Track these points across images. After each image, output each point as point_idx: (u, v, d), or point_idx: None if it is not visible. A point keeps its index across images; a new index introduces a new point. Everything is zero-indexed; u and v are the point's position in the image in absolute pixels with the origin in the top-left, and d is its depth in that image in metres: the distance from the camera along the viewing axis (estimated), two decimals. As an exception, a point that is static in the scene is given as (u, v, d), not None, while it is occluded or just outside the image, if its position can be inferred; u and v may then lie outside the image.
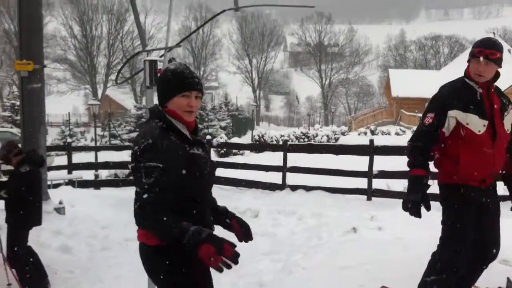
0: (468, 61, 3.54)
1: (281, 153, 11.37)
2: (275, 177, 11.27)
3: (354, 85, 72.41)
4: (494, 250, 3.67)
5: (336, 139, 28.07)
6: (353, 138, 29.05)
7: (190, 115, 2.53)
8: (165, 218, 2.23)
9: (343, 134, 31.87)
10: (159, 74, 2.68)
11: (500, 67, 3.50)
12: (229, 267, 2.17)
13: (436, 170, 3.71)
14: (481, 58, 3.40)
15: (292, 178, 11.08)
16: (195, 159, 2.48)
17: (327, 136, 27.52)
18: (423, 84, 46.20)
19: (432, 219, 6.93)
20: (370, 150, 10.03)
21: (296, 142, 22.99)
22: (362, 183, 10.05)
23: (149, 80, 4.23)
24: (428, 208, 3.40)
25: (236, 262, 2.18)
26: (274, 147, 15.10)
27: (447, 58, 74.15)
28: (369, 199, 9.87)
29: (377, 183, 9.98)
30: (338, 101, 73.60)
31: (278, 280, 4.97)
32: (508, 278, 4.28)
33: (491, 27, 68.55)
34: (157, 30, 58.97)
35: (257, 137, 24.51)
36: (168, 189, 2.32)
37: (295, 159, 11.60)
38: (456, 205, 3.56)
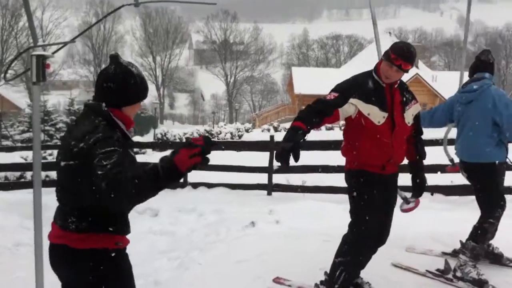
0: (381, 59, 3.72)
1: (183, 150, 11.24)
2: (176, 175, 11.15)
3: (259, 82, 73.52)
4: (383, 237, 3.92)
5: (240, 136, 28.33)
6: (257, 135, 29.39)
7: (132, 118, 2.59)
8: (136, 180, 2.11)
9: (247, 131, 32.23)
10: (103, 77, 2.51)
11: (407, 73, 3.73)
12: (204, 163, 2.16)
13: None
14: (394, 67, 3.59)
15: (194, 176, 11.00)
16: (132, 160, 2.48)
17: (231, 133, 27.72)
18: (324, 81, 47.55)
19: (325, 212, 7.24)
20: (271, 146, 10.19)
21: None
22: (263, 178, 10.18)
23: (36, 76, 3.97)
24: (296, 157, 3.33)
25: (206, 162, 2.17)
26: (176, 145, 14.93)
27: (346, 56, 77.31)
28: (269, 194, 10.02)
29: (277, 178, 10.15)
30: (243, 98, 74.36)
31: (174, 278, 4.90)
32: (445, 260, 4.58)
33: (388, 27, 72.18)
34: (55, 25, 56.42)
35: (159, 136, 24.16)
36: (128, 165, 2.25)
37: (199, 156, 11.53)
38: (361, 190, 3.76)
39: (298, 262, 4.97)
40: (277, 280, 4.57)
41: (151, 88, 67.09)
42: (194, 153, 2.14)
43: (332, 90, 3.73)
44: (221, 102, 74.58)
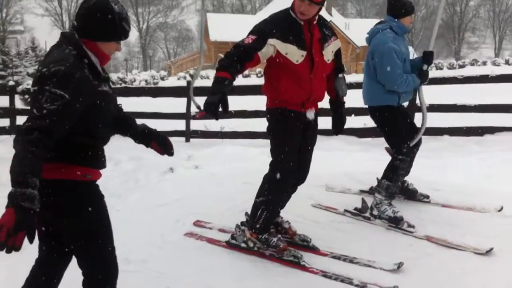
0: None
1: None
2: (90, 123, 10.75)
3: (173, 29, 71.53)
4: (302, 177, 3.99)
5: (156, 84, 27.69)
6: (173, 83, 28.90)
7: (110, 56, 2.51)
8: (33, 154, 2.04)
9: (162, 79, 31.58)
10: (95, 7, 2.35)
11: (323, 5, 3.67)
12: (3, 249, 1.94)
13: None
14: (306, 1, 3.52)
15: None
16: (103, 95, 2.41)
17: (146, 81, 27.06)
18: (240, 28, 47.00)
19: (245, 156, 7.26)
20: (188, 91, 10.00)
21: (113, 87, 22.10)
22: (180, 125, 10.03)
23: None
24: (225, 109, 3.36)
25: (9, 250, 1.95)
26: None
27: (262, 3, 76.57)
28: (187, 140, 9.92)
29: (195, 124, 10.04)
30: (157, 46, 72.31)
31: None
32: (362, 199, 4.66)
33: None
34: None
35: (70, 84, 23.13)
36: (65, 122, 2.20)
37: (113, 104, 11.14)
38: (280, 128, 3.76)
39: (218, 205, 4.97)
40: (197, 223, 4.56)
41: (58, 33, 63.75)
42: (9, 229, 1.93)
43: (250, 33, 3.65)
44: (134, 49, 72.08)
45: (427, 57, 4.51)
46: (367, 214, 4.57)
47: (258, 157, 6.93)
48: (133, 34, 69.91)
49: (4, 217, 1.96)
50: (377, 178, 4.74)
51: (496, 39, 70.80)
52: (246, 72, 39.83)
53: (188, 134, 9.94)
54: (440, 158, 7.02)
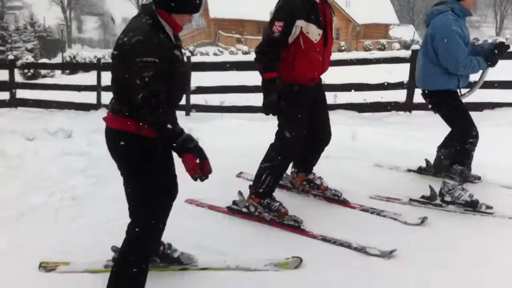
0: None
1: (95, 72, 10.81)
2: (89, 98, 10.74)
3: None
4: (327, 136, 4.30)
5: (155, 60, 27.57)
6: (172, 59, 28.79)
7: (182, 26, 2.77)
8: (164, 116, 2.49)
9: (161, 55, 31.34)
10: None
11: None
12: (202, 180, 2.52)
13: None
14: None
15: (108, 97, 10.65)
16: (176, 59, 2.69)
17: (145, 57, 26.89)
18: (240, 5, 46.95)
19: (245, 129, 7.29)
20: (187, 67, 10.00)
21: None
22: (180, 99, 10.03)
23: None
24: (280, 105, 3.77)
25: (207, 178, 2.54)
26: (86, 67, 14.30)
27: (261, -20, 75.85)
28: (187, 114, 9.94)
29: (195, 99, 10.05)
30: (156, 22, 71.75)
31: (92, 193, 4.82)
32: (430, 186, 4.43)
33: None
34: None
35: (68, 59, 22.99)
36: (164, 81, 2.54)
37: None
38: (291, 100, 3.90)
39: (216, 176, 4.96)
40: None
41: (57, 10, 63.24)
42: (198, 167, 2.50)
43: (275, 19, 3.75)
44: (133, 26, 71.58)
45: (500, 46, 4.38)
46: (438, 201, 4.36)
47: (258, 131, 6.96)
48: (132, 11, 69.39)
49: (186, 161, 2.49)
50: (426, 160, 4.72)
51: (497, 18, 70.31)
52: (246, 49, 39.60)
53: (188, 108, 9.95)
54: (437, 132, 7.03)
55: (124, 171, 2.80)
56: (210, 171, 2.55)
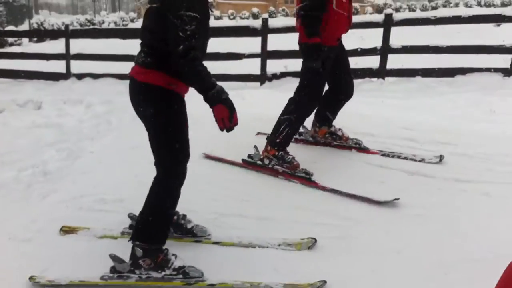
0: None
1: (63, 40, 10.51)
2: (58, 66, 10.48)
3: (142, -31, 69.09)
4: (350, 90, 4.62)
5: (125, 26, 26.96)
6: (143, 25, 28.18)
7: None
8: (202, 67, 2.61)
9: (132, 21, 30.69)
10: None
11: None
12: (228, 131, 2.67)
13: None
14: None
15: (78, 67, 10.43)
16: (208, 14, 2.87)
17: (115, 23, 26.31)
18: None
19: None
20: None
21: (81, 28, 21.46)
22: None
23: None
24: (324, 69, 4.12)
25: (232, 129, 2.67)
26: (54, 34, 13.92)
27: None
28: (159, 83, 9.78)
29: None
30: (125, -14, 69.95)
31: (64, 167, 4.72)
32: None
33: None
34: None
35: (35, 26, 22.32)
36: (200, 37, 2.67)
37: (82, 46, 10.85)
38: (316, 62, 4.05)
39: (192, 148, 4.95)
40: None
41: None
42: (227, 117, 2.62)
43: None
44: (101, -10, 69.68)
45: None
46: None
47: (233, 99, 6.90)
48: (100, -26, 67.35)
49: (217, 112, 2.62)
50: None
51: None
52: (218, 13, 39.03)
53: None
54: (412, 99, 7.11)
55: (148, 122, 2.89)
56: (237, 123, 2.69)
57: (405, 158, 4.54)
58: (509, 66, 8.27)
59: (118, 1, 58.00)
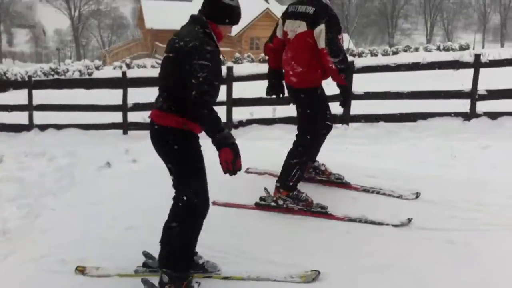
0: None
1: (26, 90, 10.38)
2: (20, 118, 10.30)
3: (107, 17, 69.43)
4: (329, 127, 4.85)
5: (90, 74, 26.92)
6: (108, 72, 28.16)
7: (224, 36, 3.33)
8: (213, 112, 2.94)
9: (97, 68, 30.66)
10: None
11: None
12: (231, 174, 2.93)
13: None
14: None
15: (41, 117, 10.27)
16: (219, 62, 3.20)
17: (80, 71, 26.23)
18: (176, 15, 46.50)
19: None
20: (124, 82, 9.78)
21: (44, 78, 21.28)
22: (117, 117, 9.79)
23: None
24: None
25: (235, 173, 2.94)
26: (17, 84, 13.70)
27: (197, -10, 75.67)
28: (125, 133, 9.72)
29: (133, 116, 9.82)
30: (91, 34, 70.03)
31: (24, 225, 4.58)
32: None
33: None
34: None
35: (-2, 75, 22.06)
36: (214, 82, 3.02)
37: (45, 96, 10.71)
38: (316, 105, 4.49)
39: (159, 199, 4.86)
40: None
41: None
42: (232, 162, 2.90)
43: (337, 32, 4.29)
44: (66, 38, 69.53)
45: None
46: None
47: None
48: (65, 22, 67.49)
49: (223, 155, 2.89)
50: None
51: (427, 25, 73.16)
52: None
53: (126, 126, 9.73)
54: (375, 145, 7.21)
55: (169, 161, 3.20)
56: (240, 168, 2.94)
57: (384, 194, 4.77)
58: (468, 111, 8.51)
59: (83, 49, 58.00)
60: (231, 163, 2.88)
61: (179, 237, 3.15)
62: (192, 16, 3.27)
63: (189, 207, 3.14)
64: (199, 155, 3.21)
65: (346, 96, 4.47)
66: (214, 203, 4.54)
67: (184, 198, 3.14)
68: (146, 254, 3.58)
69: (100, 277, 3.51)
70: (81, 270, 3.55)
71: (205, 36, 3.10)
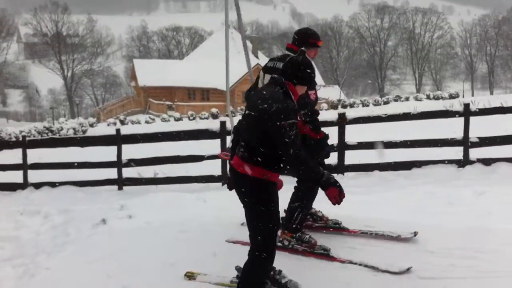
0: (305, 49, 4.61)
1: (21, 150, 10.40)
2: (15, 176, 10.28)
3: (100, 75, 70.51)
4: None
5: (84, 131, 27.08)
6: (103, 129, 28.32)
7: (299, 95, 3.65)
8: (311, 163, 3.33)
9: (91, 125, 30.88)
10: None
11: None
12: (339, 203, 3.35)
13: None
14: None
15: (36, 176, 10.25)
16: (297, 119, 3.44)
17: (74, 129, 26.40)
18: (168, 73, 47.42)
19: (179, 202, 7.14)
20: (118, 139, 9.82)
21: (39, 137, 21.37)
22: (112, 173, 9.79)
23: None
24: None
25: (341, 202, 3.36)
26: (12, 144, 13.77)
27: (188, 48, 77.17)
28: (120, 188, 9.68)
29: (128, 172, 9.82)
30: (84, 92, 70.93)
31: (20, 286, 4.50)
32: None
33: (224, 19, 73.20)
34: None
35: (-8, 135, 22.13)
36: (300, 138, 3.36)
37: (40, 155, 10.74)
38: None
39: (153, 257, 4.81)
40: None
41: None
42: (338, 195, 3.34)
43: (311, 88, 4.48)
44: (60, 97, 70.32)
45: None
46: None
47: (193, 203, 6.86)
48: (58, 82, 68.29)
49: (330, 192, 3.33)
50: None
51: (416, 75, 74.61)
52: (178, 115, 39.70)
53: (121, 182, 9.71)
54: (371, 194, 7.21)
55: (249, 207, 3.52)
56: (344, 197, 3.36)
57: (382, 235, 4.96)
58: (462, 158, 8.58)
59: (77, 107, 58.50)
60: (338, 196, 3.32)
61: (250, 279, 3.55)
62: (272, 78, 3.62)
63: (260, 253, 3.48)
64: (276, 206, 3.53)
65: (318, 148, 4.66)
66: (227, 241, 5.01)
67: (257, 244, 3.49)
68: (238, 269, 3.94)
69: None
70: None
71: (285, 97, 3.41)
